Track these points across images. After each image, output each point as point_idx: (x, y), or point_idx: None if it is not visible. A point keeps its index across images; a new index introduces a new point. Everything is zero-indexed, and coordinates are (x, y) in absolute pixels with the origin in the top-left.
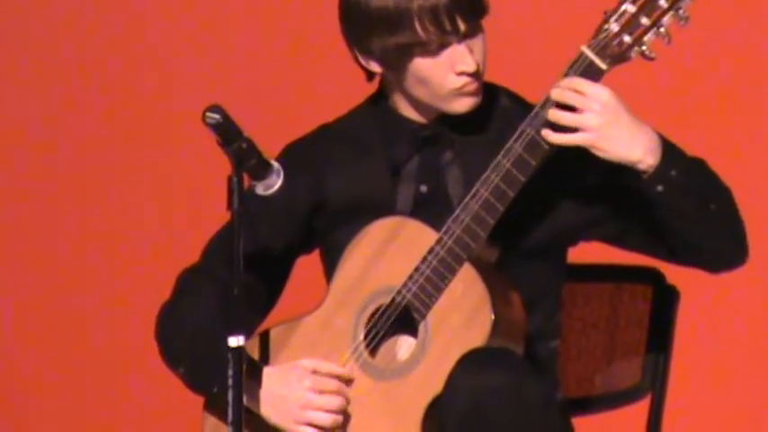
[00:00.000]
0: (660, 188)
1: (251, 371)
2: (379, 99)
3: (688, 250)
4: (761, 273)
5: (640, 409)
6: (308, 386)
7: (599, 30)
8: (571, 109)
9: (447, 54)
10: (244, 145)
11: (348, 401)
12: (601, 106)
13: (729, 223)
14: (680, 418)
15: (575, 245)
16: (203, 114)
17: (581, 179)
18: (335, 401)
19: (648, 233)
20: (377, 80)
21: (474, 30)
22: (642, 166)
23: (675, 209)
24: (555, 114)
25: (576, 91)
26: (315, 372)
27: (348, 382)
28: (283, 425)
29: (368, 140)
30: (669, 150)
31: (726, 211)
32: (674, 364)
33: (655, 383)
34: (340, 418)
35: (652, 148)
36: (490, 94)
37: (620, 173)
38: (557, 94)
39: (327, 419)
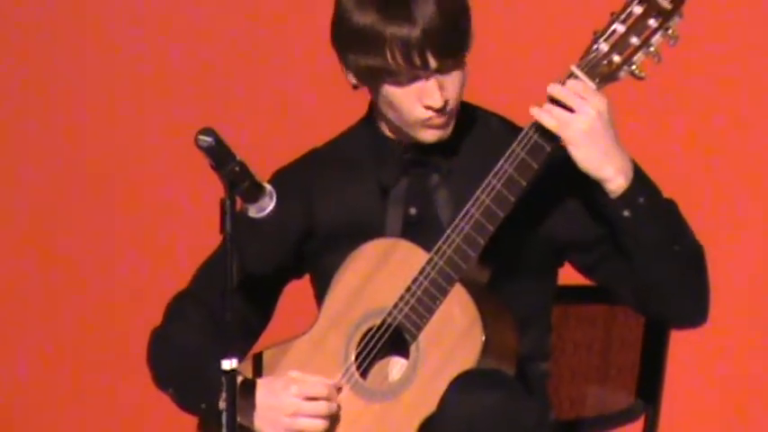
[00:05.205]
0: (626, 213)
1: (244, 389)
2: (370, 120)
3: (648, 290)
4: (753, 293)
5: (634, 430)
6: (296, 393)
7: (588, 49)
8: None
9: (416, 86)
10: (236, 168)
11: (337, 409)
12: (596, 112)
13: (692, 273)
14: None
15: (561, 265)
16: (196, 137)
17: (564, 203)
18: (324, 406)
19: (617, 271)
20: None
21: (447, 66)
22: (612, 186)
23: (639, 238)
24: (549, 107)
25: (579, 95)
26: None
27: (335, 392)
28: None
29: (358, 162)
30: (641, 178)
31: (691, 258)
32: (667, 386)
33: (648, 405)
34: (329, 423)
35: (625, 171)
36: (482, 119)
37: (598, 201)
38: (556, 90)
39: (318, 425)
